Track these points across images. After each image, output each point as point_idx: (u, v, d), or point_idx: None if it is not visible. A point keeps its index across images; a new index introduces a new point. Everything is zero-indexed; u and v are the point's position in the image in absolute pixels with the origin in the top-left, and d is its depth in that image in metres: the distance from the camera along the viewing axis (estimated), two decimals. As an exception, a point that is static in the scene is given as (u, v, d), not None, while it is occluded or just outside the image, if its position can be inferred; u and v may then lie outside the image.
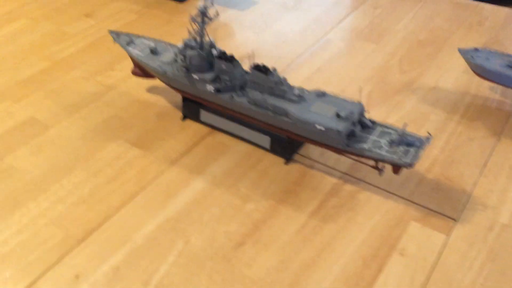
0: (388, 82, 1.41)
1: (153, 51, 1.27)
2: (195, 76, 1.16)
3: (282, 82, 1.07)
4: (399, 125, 1.19)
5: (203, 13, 1.11)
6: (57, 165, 1.17)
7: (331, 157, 1.16)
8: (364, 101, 1.31)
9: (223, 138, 1.24)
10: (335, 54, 1.54)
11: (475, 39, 1.58)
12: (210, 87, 1.14)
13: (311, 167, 1.14)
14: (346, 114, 1.01)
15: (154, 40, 1.33)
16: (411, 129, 1.21)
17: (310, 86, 1.37)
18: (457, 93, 1.35)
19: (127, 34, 1.35)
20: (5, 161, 1.18)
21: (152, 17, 1.79)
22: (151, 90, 1.42)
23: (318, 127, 1.01)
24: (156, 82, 1.41)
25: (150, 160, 1.19)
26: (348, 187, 1.08)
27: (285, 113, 1.06)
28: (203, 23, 1.12)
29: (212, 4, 1.12)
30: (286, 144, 1.14)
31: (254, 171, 1.14)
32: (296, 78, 1.43)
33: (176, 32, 1.70)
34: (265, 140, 1.17)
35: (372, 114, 1.26)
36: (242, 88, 1.13)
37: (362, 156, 1.01)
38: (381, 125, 1.04)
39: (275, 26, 1.71)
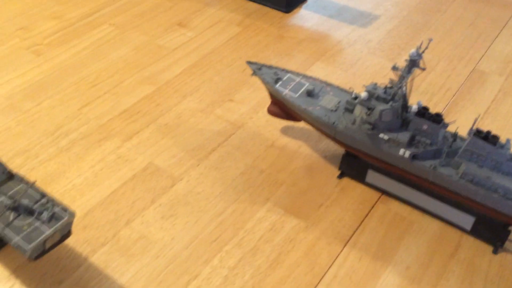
0: None
1: (310, 93, 1.03)
2: (383, 136, 0.91)
3: (516, 156, 0.84)
4: None
5: (413, 62, 0.86)
6: (200, 236, 0.93)
7: (551, 246, 0.93)
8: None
9: (399, 208, 1.00)
10: (497, 92, 1.29)
11: None
12: (404, 152, 0.90)
13: (529, 259, 0.91)
14: None
15: (305, 77, 1.07)
16: None
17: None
18: None
19: (270, 67, 1.09)
20: (133, 227, 0.94)
21: (259, 31, 1.53)
22: (286, 131, 1.17)
23: None
24: (291, 122, 1.17)
25: (315, 236, 0.94)
26: None
27: (522, 199, 0.83)
28: (408, 73, 0.87)
29: (424, 51, 0.86)
30: (497, 227, 0.90)
31: (456, 263, 0.90)
32: (462, 123, 1.19)
33: (291, 52, 1.44)
34: (466, 220, 0.93)
35: None
36: (448, 155, 0.89)
37: None
38: None
39: (409, 50, 1.45)
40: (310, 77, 1.08)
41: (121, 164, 1.06)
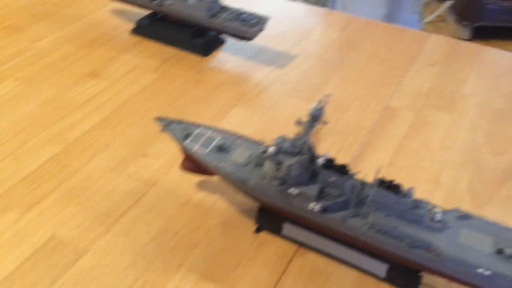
0: (485, 169, 1.20)
1: (221, 148, 1.00)
2: (293, 191, 0.89)
3: (419, 205, 0.84)
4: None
5: (315, 118, 0.85)
6: (106, 317, 0.87)
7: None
8: (469, 198, 1.12)
9: (316, 260, 0.97)
10: (408, 127, 1.32)
11: (555, 107, 1.42)
12: (314, 206, 0.88)
13: (444, 303, 0.91)
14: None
15: (216, 130, 1.04)
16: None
17: (395, 175, 1.15)
18: None
19: (179, 122, 1.05)
20: (30, 314, 0.86)
21: (176, 77, 1.49)
22: (202, 186, 1.13)
23: (481, 271, 0.78)
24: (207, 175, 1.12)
25: (232, 301, 0.91)
26: (505, 337, 0.86)
27: (427, 247, 0.83)
28: (310, 128, 0.86)
29: (324, 106, 0.86)
30: (409, 273, 0.90)
31: (374, 314, 0.89)
32: (376, 162, 1.20)
33: (209, 98, 1.41)
34: (380, 268, 0.91)
35: (486, 216, 1.04)
36: (357, 205, 0.88)
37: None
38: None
39: (326, 90, 1.47)
40: (222, 130, 1.05)
41: (18, 240, 0.96)
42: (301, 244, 0.99)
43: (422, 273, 0.88)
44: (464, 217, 0.85)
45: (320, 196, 0.88)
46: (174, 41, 1.63)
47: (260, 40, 1.63)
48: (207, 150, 1.00)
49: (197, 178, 1.13)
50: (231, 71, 1.55)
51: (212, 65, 1.57)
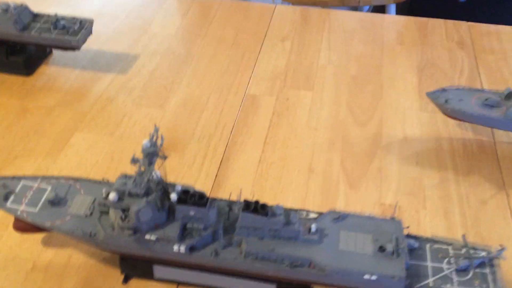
0: (354, 143, 1.17)
1: (54, 202, 0.80)
2: (150, 237, 0.75)
3: (291, 220, 0.75)
4: (406, 204, 0.98)
5: (152, 154, 0.70)
6: None
7: None
8: (344, 179, 1.08)
9: (199, 298, 0.86)
10: (271, 114, 1.23)
11: (406, 63, 1.42)
12: (178, 247, 0.75)
13: (340, 308, 0.86)
14: (393, 245, 0.74)
15: (45, 178, 0.84)
16: (413, 206, 1.02)
17: (271, 167, 1.07)
18: (430, 140, 1.18)
19: (-5, 179, 0.84)
20: None
21: (-4, 109, 1.23)
22: (49, 241, 0.92)
23: (367, 277, 0.73)
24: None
25: None
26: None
27: (309, 264, 0.75)
28: (150, 165, 0.71)
29: (162, 138, 0.71)
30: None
31: None
32: (248, 160, 1.11)
33: (41, 127, 1.17)
34: (269, 289, 0.84)
35: (363, 194, 1.02)
36: (227, 232, 0.77)
37: (432, 297, 0.76)
38: (428, 240, 0.80)
39: (179, 89, 1.32)
40: (52, 177, 0.86)
41: None
42: (179, 283, 0.87)
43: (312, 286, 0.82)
44: (339, 218, 0.79)
45: (183, 234, 0.76)
46: (-14, 64, 1.34)
47: (93, 43, 1.41)
48: (37, 208, 0.80)
49: (40, 234, 0.94)
50: (65, 87, 1.32)
51: (40, 85, 1.32)
